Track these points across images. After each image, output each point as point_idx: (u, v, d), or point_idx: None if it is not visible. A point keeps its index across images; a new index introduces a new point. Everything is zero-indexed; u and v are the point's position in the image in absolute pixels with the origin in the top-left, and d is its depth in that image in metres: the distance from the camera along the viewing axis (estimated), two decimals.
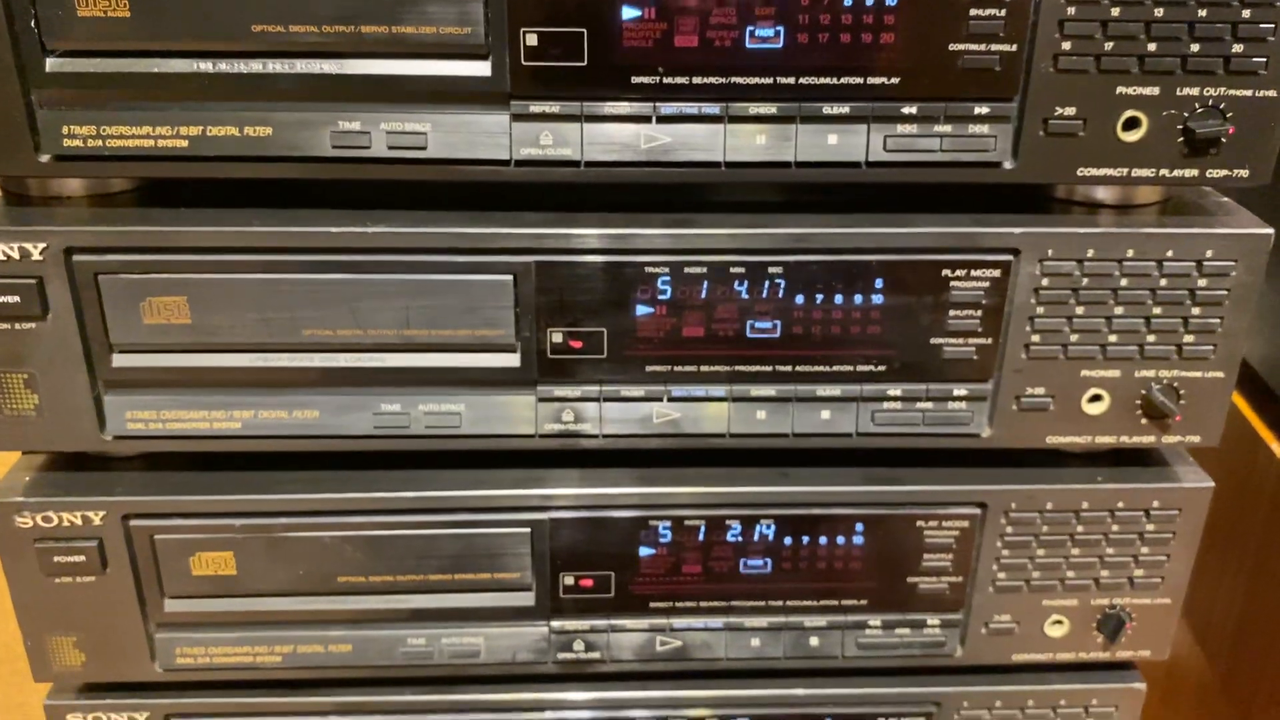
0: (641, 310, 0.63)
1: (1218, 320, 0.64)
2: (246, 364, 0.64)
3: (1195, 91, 0.59)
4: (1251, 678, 0.91)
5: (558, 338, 0.64)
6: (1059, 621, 0.73)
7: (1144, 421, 0.67)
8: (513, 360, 0.64)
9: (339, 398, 0.65)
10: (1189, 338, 0.65)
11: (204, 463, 0.69)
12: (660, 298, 0.63)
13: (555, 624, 0.71)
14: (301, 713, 0.74)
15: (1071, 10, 0.57)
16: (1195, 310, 0.64)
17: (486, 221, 0.62)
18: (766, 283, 0.63)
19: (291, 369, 0.64)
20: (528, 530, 0.69)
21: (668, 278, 0.63)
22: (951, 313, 0.64)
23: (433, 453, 0.68)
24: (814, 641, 0.72)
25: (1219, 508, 0.71)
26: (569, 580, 0.70)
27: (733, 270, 0.62)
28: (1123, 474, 0.70)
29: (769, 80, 0.59)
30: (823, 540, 0.70)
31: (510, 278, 0.62)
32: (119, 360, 0.63)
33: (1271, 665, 0.88)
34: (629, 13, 0.57)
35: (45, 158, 0.60)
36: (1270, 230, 0.62)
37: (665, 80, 0.58)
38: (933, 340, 0.64)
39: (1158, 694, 1.04)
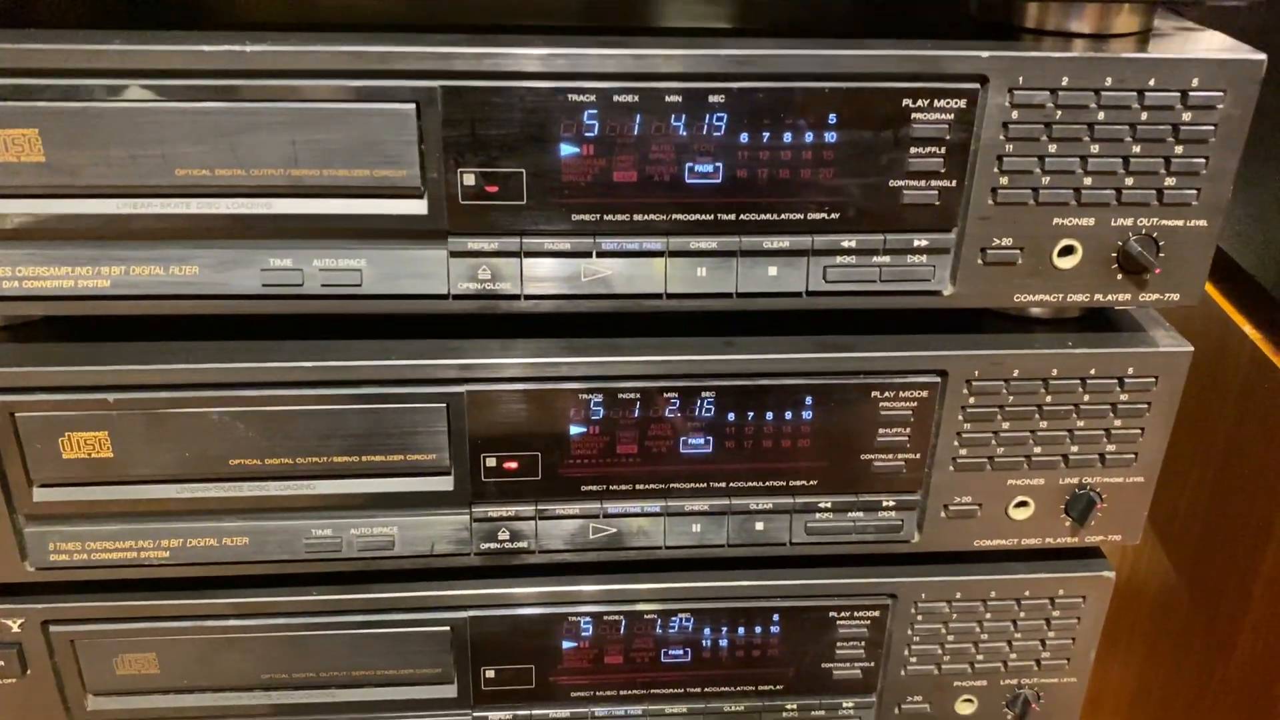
0: (566, 149, 0.56)
1: (1203, 160, 0.58)
2: (112, 210, 0.56)
3: None
4: (1218, 575, 0.87)
5: (470, 180, 0.56)
6: (1024, 503, 0.67)
7: (1119, 277, 0.61)
8: (419, 207, 0.57)
9: (221, 251, 0.57)
10: (1171, 180, 0.59)
11: (71, 330, 0.61)
12: (587, 134, 0.56)
13: (477, 510, 0.64)
14: (196, 615, 0.67)
15: None
16: (1178, 149, 0.58)
17: (384, 40, 0.54)
18: (708, 116, 0.56)
19: (165, 216, 0.56)
20: (443, 405, 0.61)
21: (595, 110, 0.55)
22: (912, 150, 0.57)
23: (334, 317, 0.61)
24: (760, 526, 0.66)
25: (1186, 395, 0.66)
26: (491, 462, 0.63)
27: (669, 99, 0.55)
28: (1095, 339, 0.64)
29: None
30: (769, 415, 0.64)
31: (412, 106, 0.54)
32: None
33: (1239, 561, 0.84)
34: None
35: None
36: (1263, 56, 0.56)
37: None
38: (891, 183, 0.58)
39: (1118, 595, 1.00)
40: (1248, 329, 0.84)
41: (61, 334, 0.61)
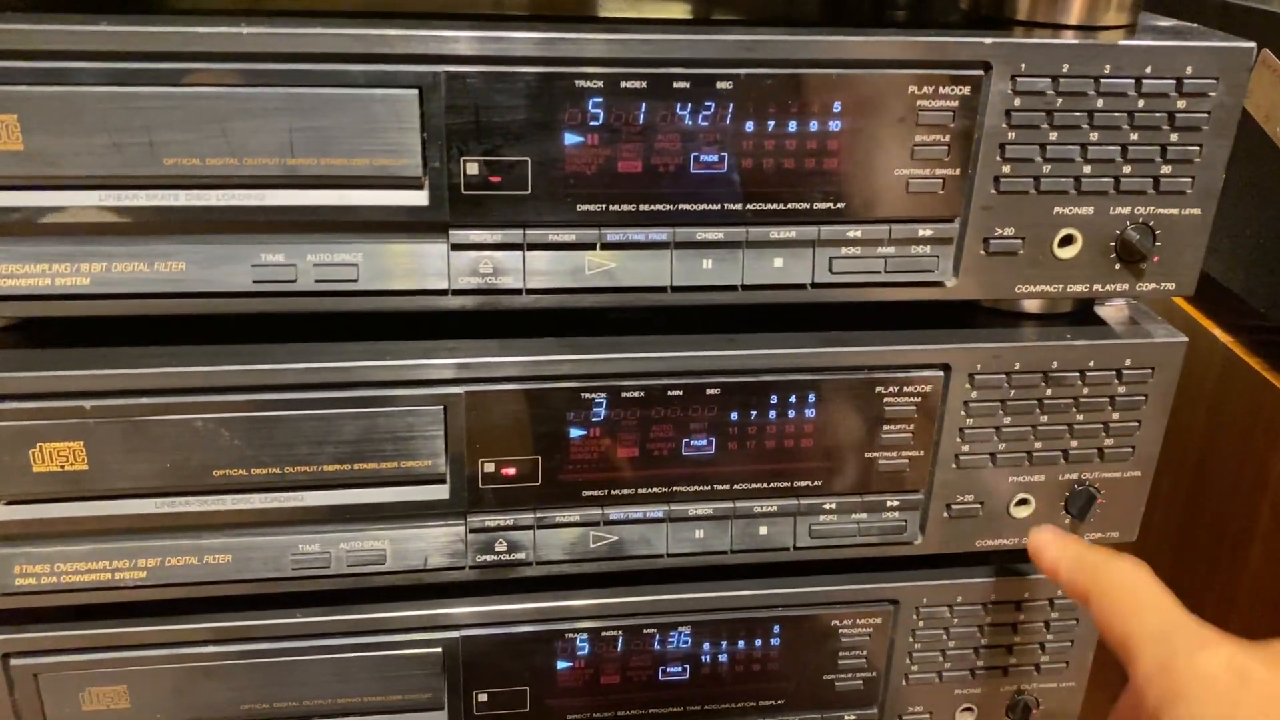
0: (571, 137, 0.55)
1: (1197, 148, 0.59)
2: (95, 203, 0.53)
3: None
4: (1197, 582, 0.87)
5: (473, 169, 0.55)
6: (1025, 500, 0.67)
7: (1117, 267, 0.62)
8: (419, 198, 0.55)
9: (210, 246, 0.55)
10: (1166, 168, 0.59)
11: (46, 332, 0.58)
12: (592, 123, 0.55)
13: (473, 520, 0.62)
14: (172, 642, 0.63)
15: None
16: (1174, 136, 0.59)
17: (386, 24, 0.52)
18: (712, 103, 0.55)
19: (150, 209, 0.53)
20: (440, 408, 0.59)
21: (600, 98, 0.54)
22: (918, 138, 0.57)
23: (326, 315, 0.58)
24: (763, 530, 0.65)
25: None
26: (489, 467, 0.61)
27: (676, 85, 0.54)
28: (1091, 332, 0.65)
29: None
30: (773, 414, 0.62)
31: (415, 92, 0.53)
32: None
33: (1221, 567, 0.84)
34: None
35: None
36: (1252, 44, 0.58)
37: None
38: (897, 171, 0.58)
39: None
40: (1218, 333, 0.86)
41: (35, 336, 0.58)
